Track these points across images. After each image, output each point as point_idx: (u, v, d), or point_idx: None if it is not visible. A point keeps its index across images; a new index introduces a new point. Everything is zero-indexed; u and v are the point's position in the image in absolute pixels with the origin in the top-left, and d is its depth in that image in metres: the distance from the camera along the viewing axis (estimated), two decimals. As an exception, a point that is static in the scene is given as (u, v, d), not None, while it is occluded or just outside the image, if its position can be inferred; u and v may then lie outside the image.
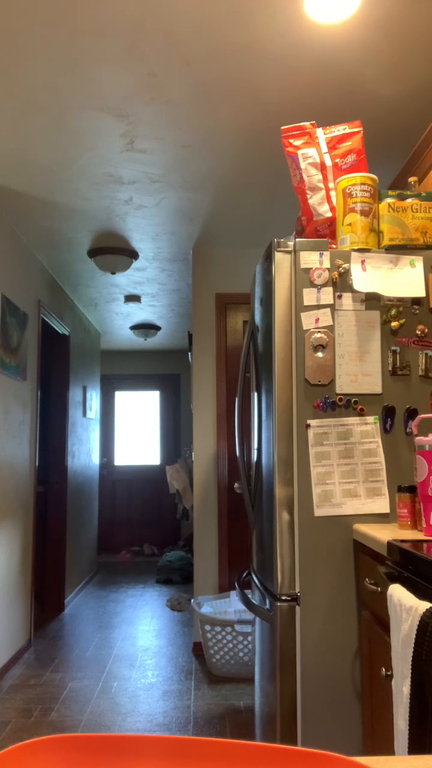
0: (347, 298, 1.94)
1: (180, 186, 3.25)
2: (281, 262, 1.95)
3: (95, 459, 6.62)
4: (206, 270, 4.17)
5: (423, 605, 1.18)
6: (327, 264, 1.94)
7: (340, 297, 1.94)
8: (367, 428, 1.90)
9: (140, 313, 5.97)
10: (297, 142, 2.13)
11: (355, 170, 2.09)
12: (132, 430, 8.10)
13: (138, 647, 4.04)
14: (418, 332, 1.94)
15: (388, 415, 1.91)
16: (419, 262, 1.96)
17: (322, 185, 2.11)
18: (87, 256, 4.29)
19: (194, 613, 3.65)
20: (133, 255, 4.24)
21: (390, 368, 1.93)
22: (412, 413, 1.91)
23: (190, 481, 5.89)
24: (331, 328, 1.92)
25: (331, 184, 2.10)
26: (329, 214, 2.10)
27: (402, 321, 1.94)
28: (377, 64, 2.29)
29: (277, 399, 1.91)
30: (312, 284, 1.93)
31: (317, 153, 2.12)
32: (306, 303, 1.93)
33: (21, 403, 3.91)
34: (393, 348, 1.93)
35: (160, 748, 0.49)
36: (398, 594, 1.30)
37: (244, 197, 3.41)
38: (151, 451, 8.07)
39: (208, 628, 3.46)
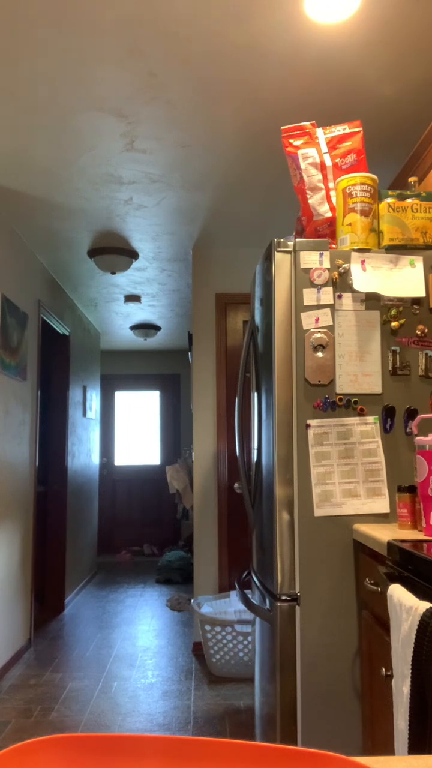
0: (347, 298, 1.94)
1: (180, 186, 3.25)
2: (281, 262, 1.95)
3: (95, 459, 6.62)
4: (206, 270, 4.17)
5: (423, 605, 1.18)
6: (327, 264, 1.94)
7: (340, 297, 1.94)
8: (367, 428, 1.90)
9: (140, 313, 5.97)
10: (297, 142, 2.13)
11: (355, 170, 2.09)
12: (132, 430, 8.10)
13: (138, 647, 4.04)
14: (418, 332, 1.94)
15: (388, 415, 1.91)
16: (419, 262, 1.96)
17: (322, 185, 2.11)
18: (87, 256, 4.29)
19: (194, 613, 3.65)
20: (133, 255, 4.24)
21: (390, 368, 1.93)
22: (412, 413, 1.91)
23: (190, 481, 5.89)
24: (331, 328, 1.92)
25: (331, 184, 2.10)
26: (329, 214, 2.10)
27: (402, 321, 1.94)
28: (377, 64, 2.29)
29: (277, 399, 1.91)
30: (312, 284, 1.93)
31: (317, 153, 2.12)
32: (306, 303, 1.93)
33: (21, 403, 3.91)
34: (393, 348, 1.93)
35: (160, 748, 0.49)
36: (398, 594, 1.30)
37: (244, 197, 3.41)
38: (151, 451, 8.07)
39: (208, 628, 3.46)
